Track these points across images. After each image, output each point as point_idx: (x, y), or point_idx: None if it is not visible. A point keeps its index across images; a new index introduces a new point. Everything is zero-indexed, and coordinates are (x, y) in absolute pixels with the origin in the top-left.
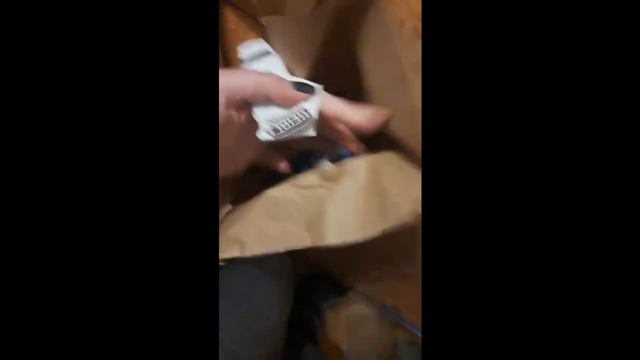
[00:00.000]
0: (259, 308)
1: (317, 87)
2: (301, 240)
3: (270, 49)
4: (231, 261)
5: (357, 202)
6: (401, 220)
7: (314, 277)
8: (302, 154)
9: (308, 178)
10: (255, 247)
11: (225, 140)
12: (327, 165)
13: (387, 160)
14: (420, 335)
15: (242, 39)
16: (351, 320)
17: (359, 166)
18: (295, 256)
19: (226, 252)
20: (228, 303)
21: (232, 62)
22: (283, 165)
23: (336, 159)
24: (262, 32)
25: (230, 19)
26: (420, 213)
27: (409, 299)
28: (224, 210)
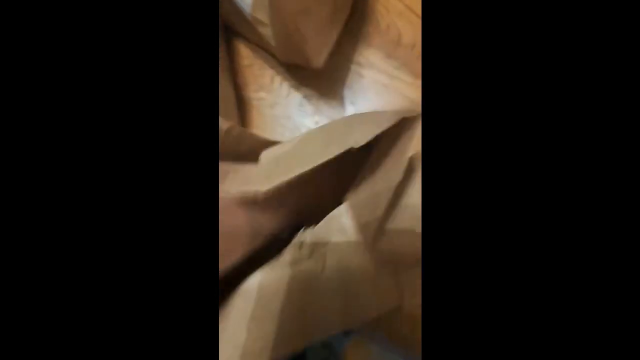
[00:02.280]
0: None
1: None
2: None
3: None
4: None
5: None
6: None
7: None
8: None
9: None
10: None
11: None
12: None
13: None
14: None
15: (257, 76)
16: None
17: None
18: None
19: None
20: None
21: (246, 100)
22: None
23: None
24: (277, 68)
25: (245, 55)
26: None
27: None
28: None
